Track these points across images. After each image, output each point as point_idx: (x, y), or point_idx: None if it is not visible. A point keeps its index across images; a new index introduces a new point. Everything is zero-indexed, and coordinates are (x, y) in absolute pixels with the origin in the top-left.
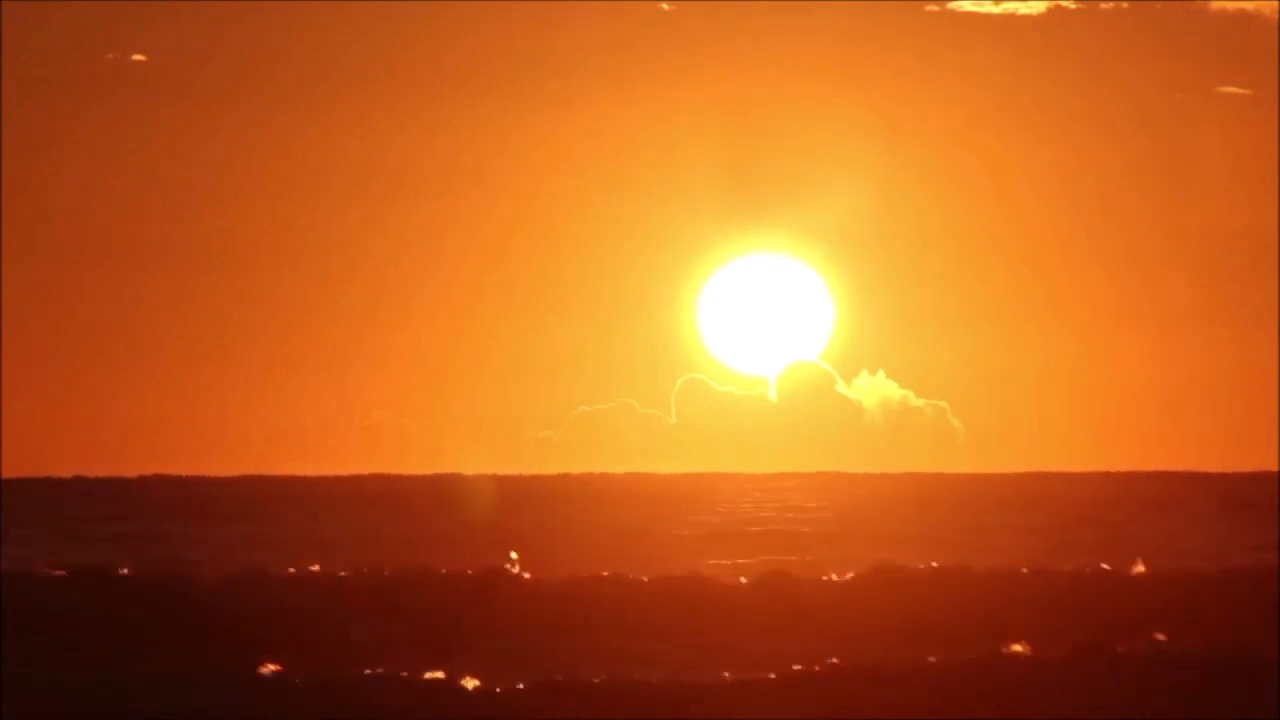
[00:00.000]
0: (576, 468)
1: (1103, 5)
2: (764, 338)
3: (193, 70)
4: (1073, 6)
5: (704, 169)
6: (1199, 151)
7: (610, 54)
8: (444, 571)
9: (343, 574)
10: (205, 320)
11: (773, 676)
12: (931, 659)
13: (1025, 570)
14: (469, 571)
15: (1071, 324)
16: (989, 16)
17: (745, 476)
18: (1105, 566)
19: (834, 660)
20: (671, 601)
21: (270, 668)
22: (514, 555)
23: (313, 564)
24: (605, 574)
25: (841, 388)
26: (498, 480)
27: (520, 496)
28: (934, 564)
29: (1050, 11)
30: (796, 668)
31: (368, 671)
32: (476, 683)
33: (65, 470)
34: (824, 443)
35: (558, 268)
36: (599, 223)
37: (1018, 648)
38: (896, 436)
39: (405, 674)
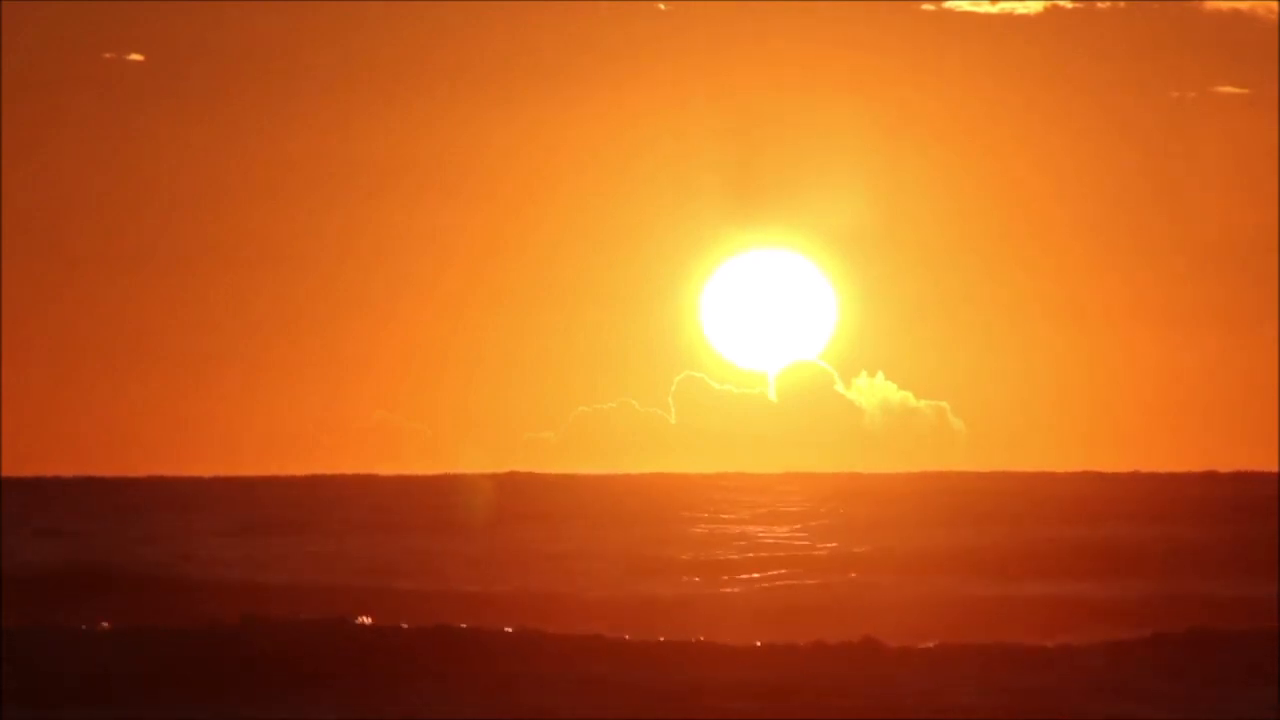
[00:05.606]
0: (576, 468)
1: (1099, 5)
2: (765, 334)
3: (190, 70)
4: (1069, 6)
5: (701, 167)
6: (1197, 151)
7: (606, 53)
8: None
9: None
10: (203, 320)
11: None
12: None
13: None
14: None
15: (1071, 323)
16: (986, 16)
17: (746, 476)
18: None
19: None
20: None
21: None
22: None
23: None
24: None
25: (841, 388)
26: (497, 480)
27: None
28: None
29: (1047, 11)
30: None
31: None
32: None
33: (64, 470)
34: (824, 443)
35: (558, 267)
36: (599, 221)
37: None
38: (897, 436)
39: None
